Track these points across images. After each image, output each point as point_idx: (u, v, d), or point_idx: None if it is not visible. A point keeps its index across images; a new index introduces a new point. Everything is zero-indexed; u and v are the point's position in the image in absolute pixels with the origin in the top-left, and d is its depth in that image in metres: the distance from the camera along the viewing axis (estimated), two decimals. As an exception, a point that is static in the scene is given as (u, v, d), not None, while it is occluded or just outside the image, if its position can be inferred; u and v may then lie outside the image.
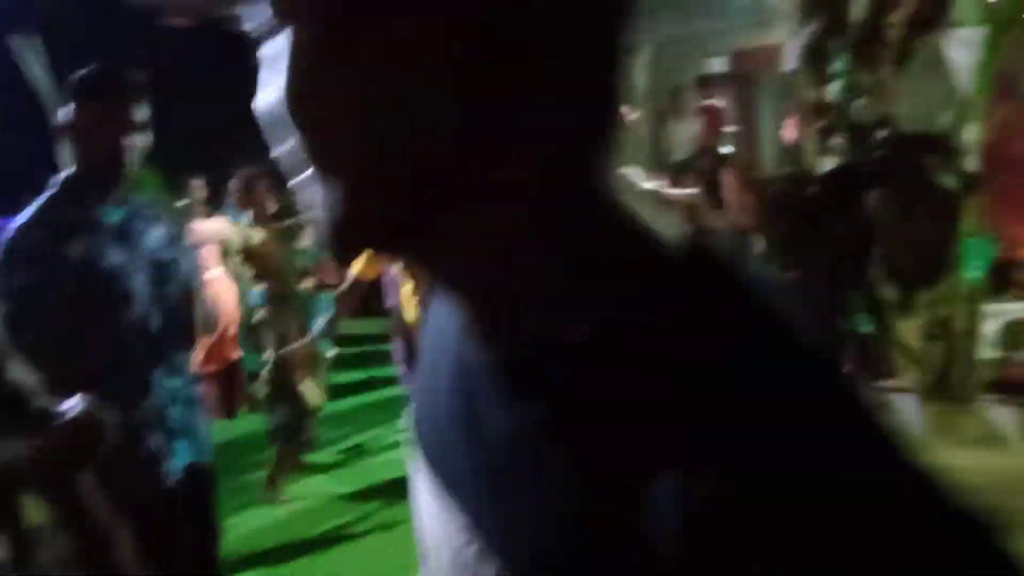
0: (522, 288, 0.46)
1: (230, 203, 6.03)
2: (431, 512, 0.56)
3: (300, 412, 4.34)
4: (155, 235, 2.22)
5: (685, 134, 5.29)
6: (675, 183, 5.07)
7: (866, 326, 1.97)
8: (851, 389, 0.40)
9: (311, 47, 0.43)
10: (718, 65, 9.78)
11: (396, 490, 3.87)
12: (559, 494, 0.42)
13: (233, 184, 4.68)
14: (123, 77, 2.09)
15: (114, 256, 2.06)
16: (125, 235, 2.11)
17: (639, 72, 9.39)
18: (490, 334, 0.48)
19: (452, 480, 0.53)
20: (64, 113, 2.04)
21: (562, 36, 0.41)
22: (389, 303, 3.62)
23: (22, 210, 2.15)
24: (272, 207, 4.48)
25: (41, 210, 2.02)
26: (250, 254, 4.33)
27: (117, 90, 2.06)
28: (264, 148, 0.54)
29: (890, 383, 2.12)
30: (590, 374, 0.43)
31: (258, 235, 4.31)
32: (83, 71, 2.07)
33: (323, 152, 0.44)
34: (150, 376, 2.13)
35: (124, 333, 2.07)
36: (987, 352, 4.85)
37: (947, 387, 4.48)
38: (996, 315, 5.19)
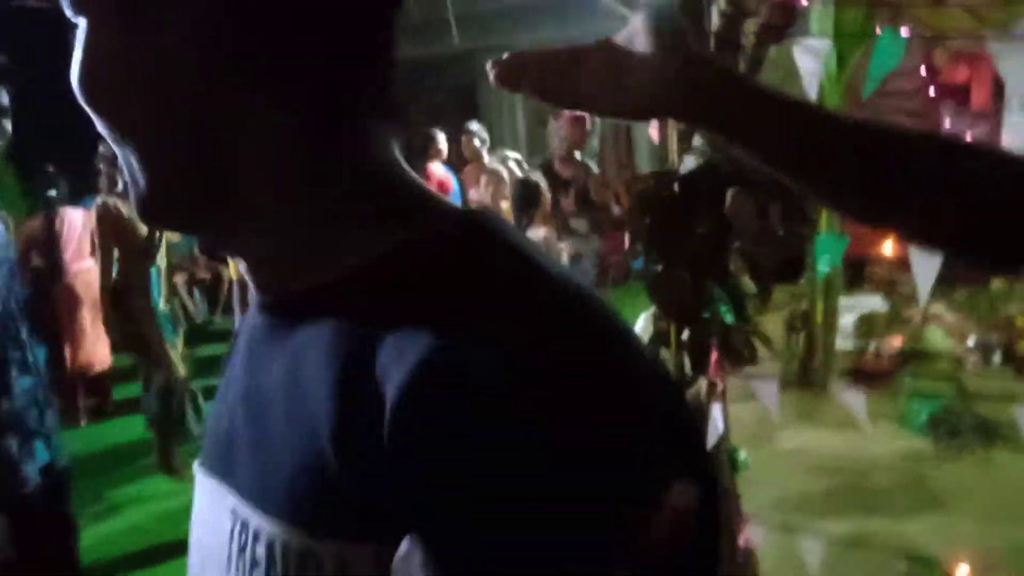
0: (292, 240, 0.53)
1: (97, 187, 5.74)
2: (202, 508, 0.60)
3: (167, 392, 4.25)
4: (1, 232, 2.12)
5: (556, 136, 5.49)
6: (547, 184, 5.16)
7: (728, 317, 2.07)
8: (588, 304, 0.49)
9: (102, 36, 0.49)
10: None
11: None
12: (315, 409, 0.48)
13: (100, 161, 4.47)
14: None
15: None
16: None
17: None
18: (266, 286, 0.56)
19: (225, 444, 0.58)
20: None
21: (305, 29, 0.48)
22: None
23: None
24: None
25: None
26: (113, 229, 4.18)
27: None
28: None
29: (752, 370, 2.24)
30: (345, 304, 0.51)
31: (125, 207, 4.17)
32: None
33: (118, 130, 0.49)
34: (7, 376, 2.05)
35: None
36: (843, 343, 5.16)
37: (807, 375, 4.74)
38: (851, 308, 5.52)
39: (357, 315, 0.49)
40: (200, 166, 0.50)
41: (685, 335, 2.13)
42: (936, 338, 5.14)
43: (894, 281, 5.88)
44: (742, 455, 2.16)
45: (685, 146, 2.12)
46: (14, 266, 2.16)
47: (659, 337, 2.21)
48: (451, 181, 5.78)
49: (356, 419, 0.45)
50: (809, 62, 2.09)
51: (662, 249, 2.11)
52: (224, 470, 0.56)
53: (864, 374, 4.82)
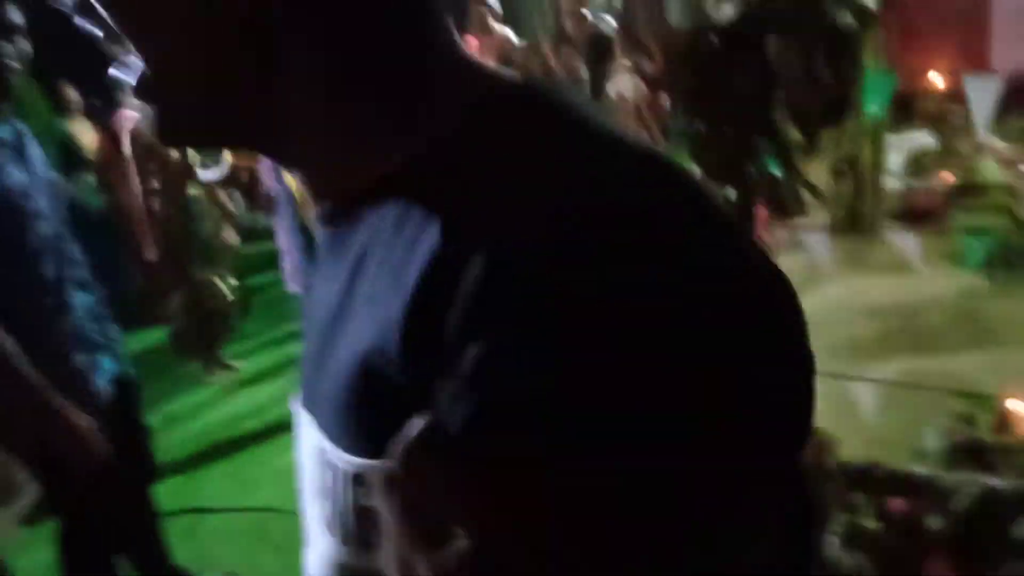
0: (344, 138, 0.50)
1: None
2: (301, 440, 0.56)
3: (200, 308, 4.32)
4: (39, 152, 2.13)
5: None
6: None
7: (775, 169, 2.03)
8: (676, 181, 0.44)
9: None
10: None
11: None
12: (376, 311, 0.45)
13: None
14: None
15: (16, 174, 1.98)
16: (20, 152, 2.02)
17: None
18: (323, 193, 0.53)
19: (304, 371, 0.56)
20: None
21: None
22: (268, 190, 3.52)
23: None
24: None
25: None
26: (147, 151, 4.18)
27: None
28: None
29: (800, 221, 2.21)
30: (403, 194, 0.47)
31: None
32: None
33: (137, 50, 0.47)
34: (66, 295, 2.10)
35: (39, 253, 2.02)
36: (893, 183, 5.04)
37: (856, 219, 4.67)
38: (899, 147, 5.36)
39: (417, 203, 0.45)
40: (220, 81, 0.48)
41: (731, 192, 2.10)
42: (989, 170, 4.99)
43: (944, 114, 5.68)
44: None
45: (722, -6, 2.03)
46: (58, 185, 2.18)
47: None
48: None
49: (420, 312, 0.41)
50: None
51: (706, 107, 2.06)
52: (306, 398, 0.55)
53: (915, 213, 4.73)
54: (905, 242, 2.53)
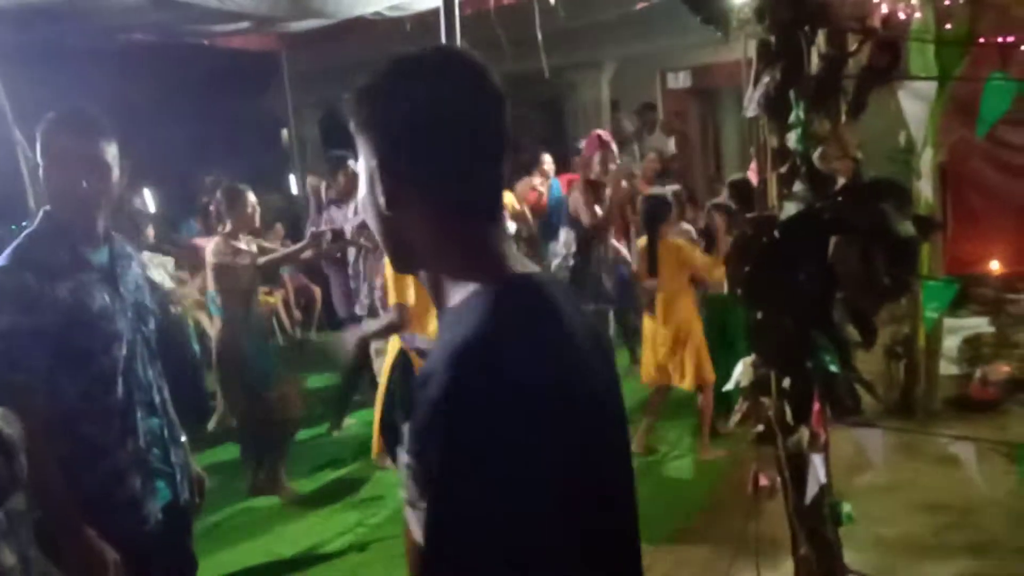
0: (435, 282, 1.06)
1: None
2: None
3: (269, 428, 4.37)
4: (133, 274, 2.21)
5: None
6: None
7: (832, 365, 2.03)
8: None
9: None
10: (679, 81, 9.91)
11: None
12: None
13: (220, 195, 4.50)
14: (91, 118, 2.07)
15: (101, 298, 2.05)
16: (110, 276, 2.11)
17: (602, 88, 9.37)
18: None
19: None
20: (37, 151, 2.04)
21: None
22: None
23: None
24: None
25: (24, 250, 2.00)
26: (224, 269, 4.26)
27: (86, 131, 2.05)
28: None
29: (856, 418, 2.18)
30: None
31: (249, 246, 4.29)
32: (51, 113, 2.05)
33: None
34: (133, 419, 2.13)
35: (112, 376, 2.07)
36: (947, 368, 4.94)
37: (908, 404, 4.57)
38: (955, 330, 5.29)
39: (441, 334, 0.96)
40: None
41: (786, 383, 2.10)
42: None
43: (1001, 302, 5.64)
44: (846, 508, 2.11)
45: (786, 191, 2.09)
46: (148, 310, 2.25)
47: (759, 384, 2.18)
48: (545, 196, 6.51)
49: None
50: (915, 105, 2.03)
51: (763, 296, 2.09)
52: None
53: (970, 403, 4.63)
54: (961, 448, 2.45)
